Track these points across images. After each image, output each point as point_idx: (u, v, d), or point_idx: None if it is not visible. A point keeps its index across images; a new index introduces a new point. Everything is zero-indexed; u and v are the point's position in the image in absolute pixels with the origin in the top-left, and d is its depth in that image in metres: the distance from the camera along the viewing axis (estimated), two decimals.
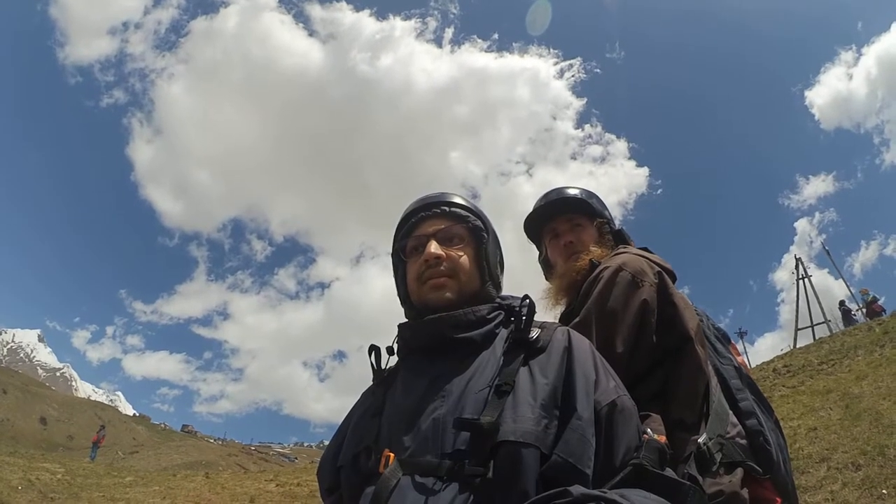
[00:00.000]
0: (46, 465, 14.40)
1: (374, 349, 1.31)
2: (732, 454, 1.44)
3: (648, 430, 1.12)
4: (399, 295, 1.38)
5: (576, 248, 1.81)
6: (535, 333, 1.18)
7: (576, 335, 1.22)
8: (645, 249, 1.72)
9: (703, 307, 1.79)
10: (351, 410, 1.32)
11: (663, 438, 1.22)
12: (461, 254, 1.29)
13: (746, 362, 1.80)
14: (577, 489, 0.87)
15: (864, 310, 21.12)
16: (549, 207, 1.90)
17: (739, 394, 1.56)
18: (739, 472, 1.43)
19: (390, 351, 1.31)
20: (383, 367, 1.31)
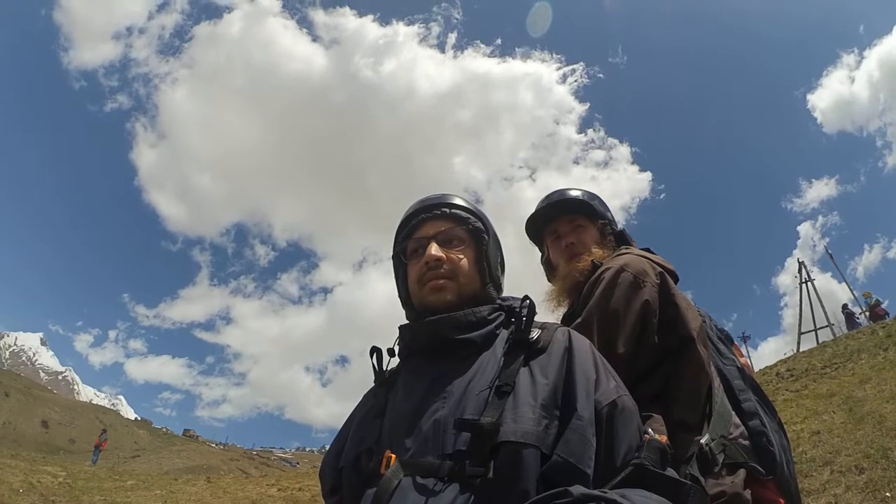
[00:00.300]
0: (48, 468, 14.40)
1: (375, 351, 1.31)
2: (735, 455, 1.43)
3: (650, 430, 1.12)
4: (400, 297, 1.38)
5: (577, 250, 1.81)
6: (535, 334, 1.18)
7: (576, 335, 1.22)
8: (647, 250, 1.72)
9: (706, 310, 1.79)
10: (352, 412, 1.32)
11: (665, 438, 1.22)
12: (461, 256, 1.29)
13: (749, 363, 1.79)
14: (577, 489, 0.87)
15: (868, 313, 21.08)
16: (551, 208, 1.90)
17: (742, 394, 1.56)
18: (742, 473, 1.42)
19: (391, 353, 1.31)
20: (384, 368, 1.31)
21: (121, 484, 14.09)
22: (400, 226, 1.38)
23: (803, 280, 26.37)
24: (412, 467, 1.03)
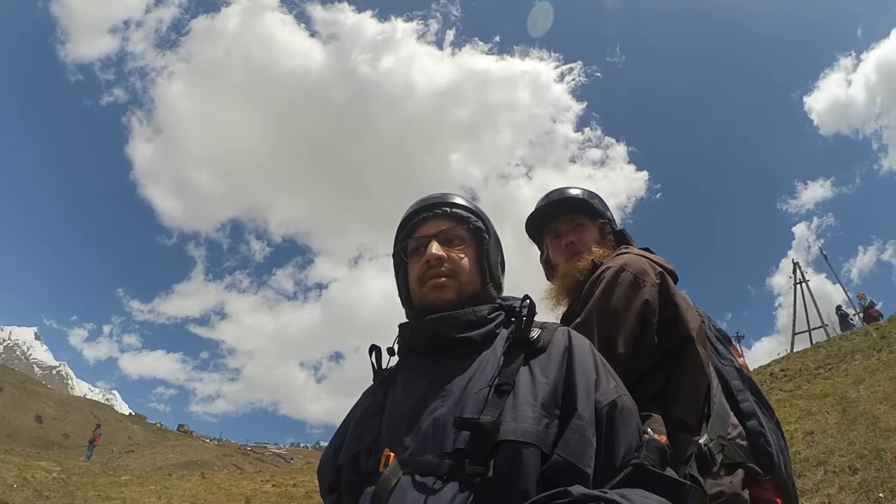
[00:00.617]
0: (42, 463, 14.36)
1: (374, 349, 1.31)
2: (733, 455, 1.43)
3: (649, 430, 1.12)
4: (400, 296, 1.38)
5: (577, 249, 1.80)
6: (535, 333, 1.18)
7: (576, 335, 1.22)
8: (646, 250, 1.72)
9: (703, 310, 1.79)
10: (351, 410, 1.31)
11: (664, 438, 1.22)
12: (462, 255, 1.29)
13: (747, 363, 1.80)
14: (577, 489, 0.87)
15: (862, 314, 21.19)
16: (551, 207, 1.89)
17: (740, 395, 1.56)
18: (740, 473, 1.42)
19: (391, 351, 1.31)
20: (384, 367, 1.31)
21: (115, 479, 14.06)
22: (400, 225, 1.38)
23: (798, 281, 26.52)
24: (411, 465, 1.03)
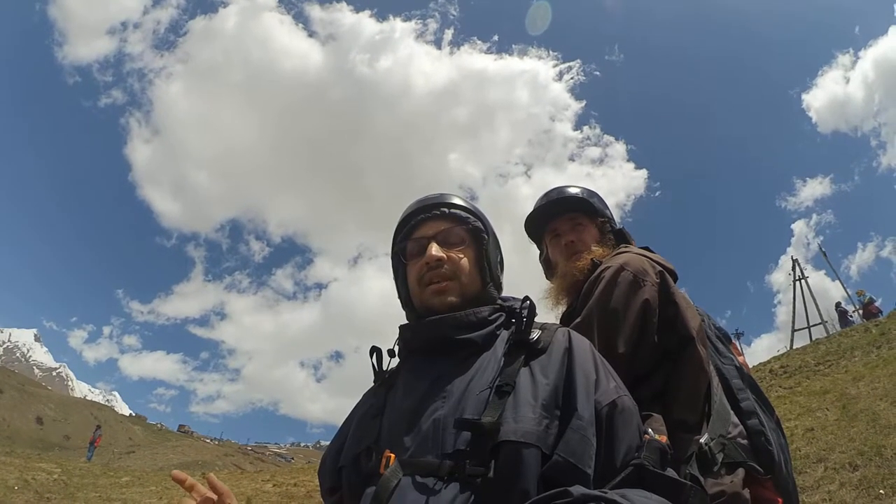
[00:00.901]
0: (43, 465, 14.36)
1: (375, 350, 1.31)
2: (734, 454, 1.43)
3: (650, 430, 1.12)
4: (400, 298, 1.37)
5: (577, 248, 1.80)
6: (535, 334, 1.18)
7: (576, 336, 1.21)
8: (646, 249, 1.71)
9: (702, 308, 1.79)
10: (352, 411, 1.31)
11: (664, 438, 1.22)
12: (462, 255, 1.28)
13: (747, 361, 1.80)
14: (577, 489, 0.87)
15: (861, 311, 21.22)
16: (550, 206, 1.89)
17: (741, 393, 1.56)
18: (741, 472, 1.42)
19: (391, 353, 1.30)
20: (384, 368, 1.30)
21: (116, 480, 14.06)
22: (398, 226, 1.37)
23: (797, 278, 26.53)
24: (411, 466, 1.03)
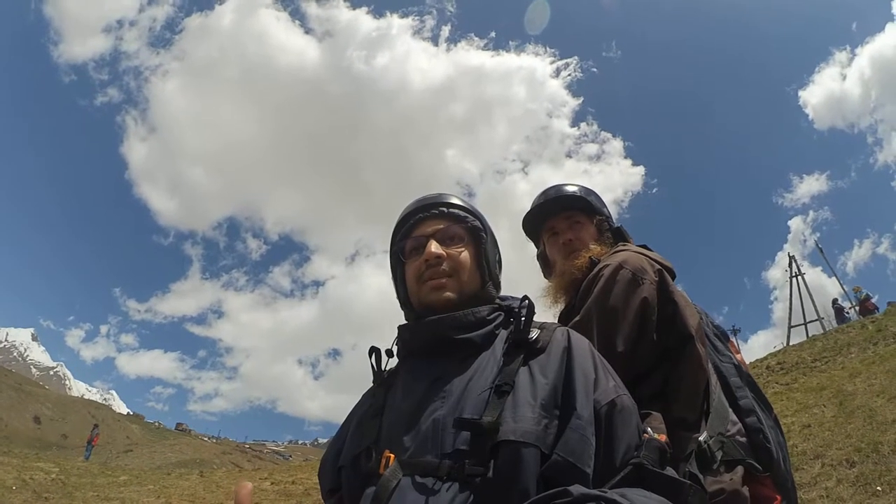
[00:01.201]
0: (41, 464, 14.34)
1: (374, 351, 1.30)
2: (733, 452, 1.44)
3: (649, 429, 1.12)
4: (399, 297, 1.37)
5: (575, 246, 1.80)
6: (534, 334, 1.18)
7: (575, 335, 1.21)
8: (644, 247, 1.71)
9: (699, 305, 1.79)
10: (351, 412, 1.31)
11: (664, 437, 1.22)
12: (461, 250, 1.28)
13: (744, 359, 1.80)
14: (576, 489, 0.87)
15: (858, 307, 21.29)
16: (548, 205, 1.88)
17: (739, 391, 1.56)
18: (740, 469, 1.43)
19: (390, 353, 1.30)
20: (384, 368, 1.30)
21: (114, 479, 14.05)
22: (397, 225, 1.37)
23: (793, 274, 26.63)
24: (411, 467, 1.03)
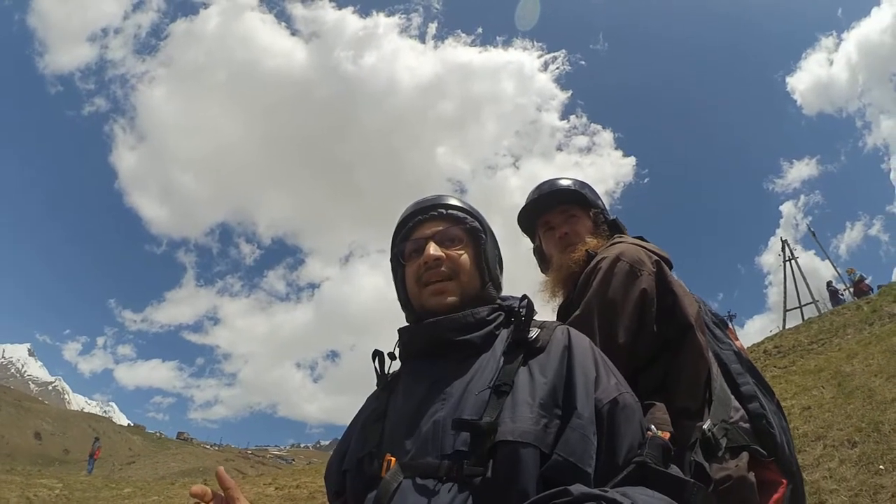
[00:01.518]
0: (44, 480, 14.29)
1: (377, 354, 1.30)
2: (737, 438, 1.43)
3: (652, 426, 1.11)
4: (399, 299, 1.36)
5: (571, 240, 1.79)
6: (534, 333, 1.17)
7: (575, 333, 1.20)
8: (640, 238, 1.71)
9: (696, 293, 1.79)
10: (356, 415, 1.31)
11: (667, 435, 1.22)
12: (461, 252, 1.28)
13: (743, 345, 1.81)
14: (577, 488, 0.86)
15: (852, 289, 21.40)
16: (543, 199, 1.87)
17: (740, 378, 1.56)
18: (745, 455, 1.43)
19: (393, 356, 1.30)
20: (386, 372, 1.30)
21: (118, 492, 14.01)
22: (396, 228, 1.36)
23: (787, 258, 26.75)
24: (412, 469, 1.03)
